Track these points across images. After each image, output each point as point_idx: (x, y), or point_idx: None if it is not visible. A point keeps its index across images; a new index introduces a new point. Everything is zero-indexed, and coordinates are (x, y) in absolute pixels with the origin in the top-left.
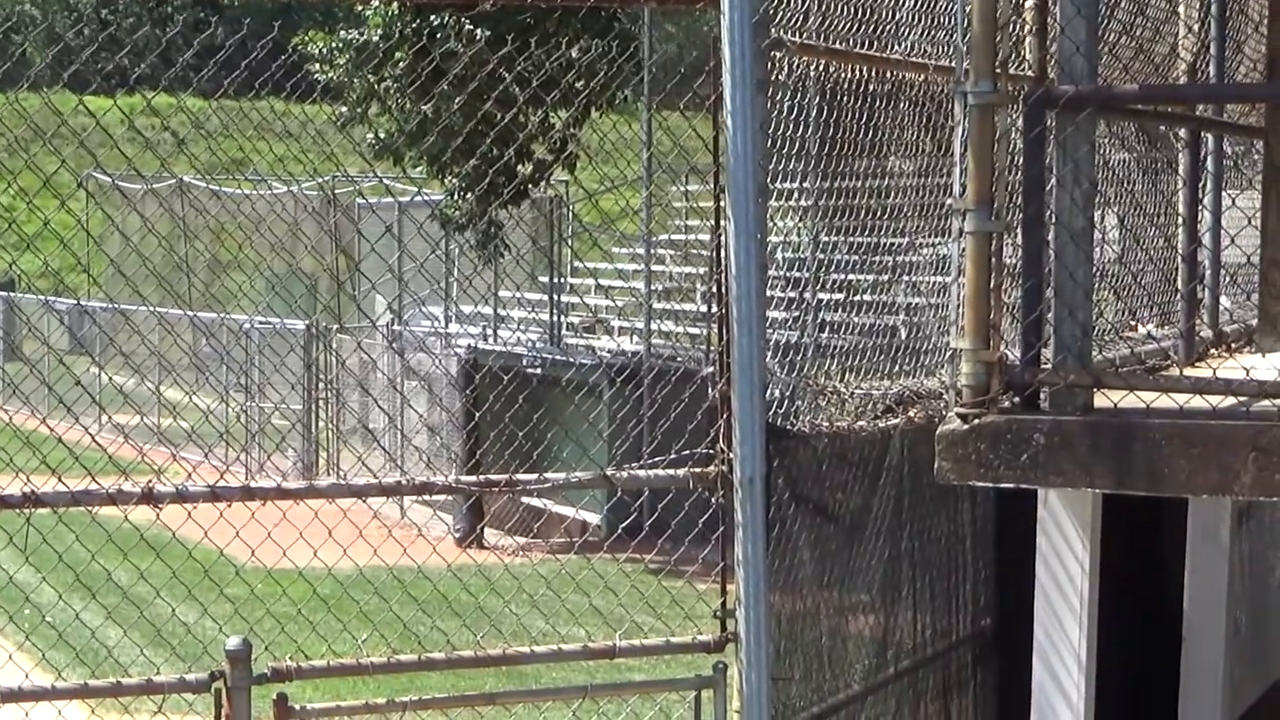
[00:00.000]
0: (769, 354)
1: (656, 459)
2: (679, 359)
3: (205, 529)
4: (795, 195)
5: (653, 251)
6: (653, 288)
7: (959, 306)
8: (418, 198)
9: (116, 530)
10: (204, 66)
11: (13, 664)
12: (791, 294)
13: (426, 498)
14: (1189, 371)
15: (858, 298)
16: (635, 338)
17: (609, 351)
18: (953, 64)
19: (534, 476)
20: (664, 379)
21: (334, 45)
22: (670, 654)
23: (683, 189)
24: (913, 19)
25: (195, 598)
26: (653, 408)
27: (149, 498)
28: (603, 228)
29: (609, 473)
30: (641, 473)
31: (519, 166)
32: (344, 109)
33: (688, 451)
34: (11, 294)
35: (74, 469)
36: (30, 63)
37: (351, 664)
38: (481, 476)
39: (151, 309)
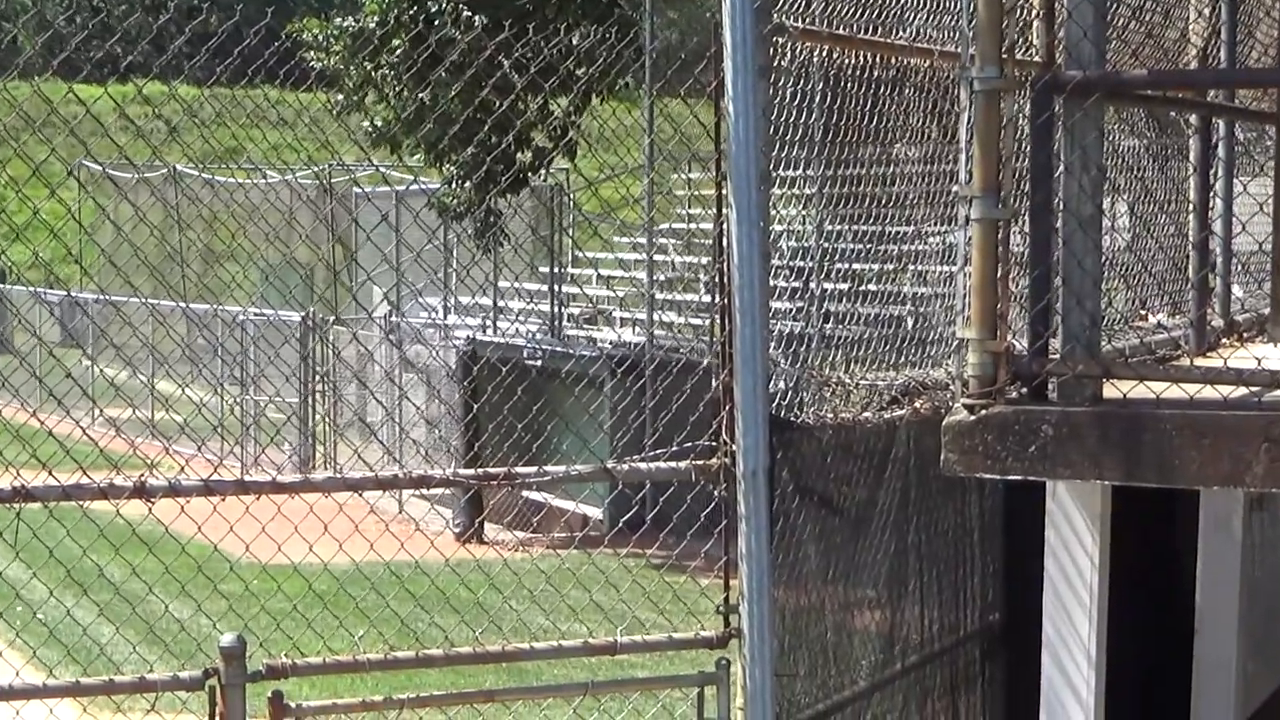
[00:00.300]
0: (773, 344)
1: (658, 451)
2: (681, 350)
3: (199, 524)
4: (799, 183)
5: (655, 240)
6: (655, 277)
7: (965, 296)
8: (415, 186)
9: (108, 525)
10: (197, 54)
11: (3, 661)
12: (796, 284)
13: (424, 492)
14: (1200, 361)
15: (863, 287)
16: (637, 328)
17: (610, 343)
18: (958, 49)
19: (533, 470)
20: (666, 370)
21: (329, 32)
22: (673, 650)
23: (685, 176)
24: (918, 3)
25: (189, 594)
26: (654, 399)
27: (141, 492)
28: (604, 216)
29: (610, 465)
30: (643, 465)
31: (518, 154)
32: (340, 97)
33: (690, 444)
34: (1, 285)
35: (65, 463)
36: (20, 50)
37: (348, 661)
38: (480, 470)
39: (144, 300)
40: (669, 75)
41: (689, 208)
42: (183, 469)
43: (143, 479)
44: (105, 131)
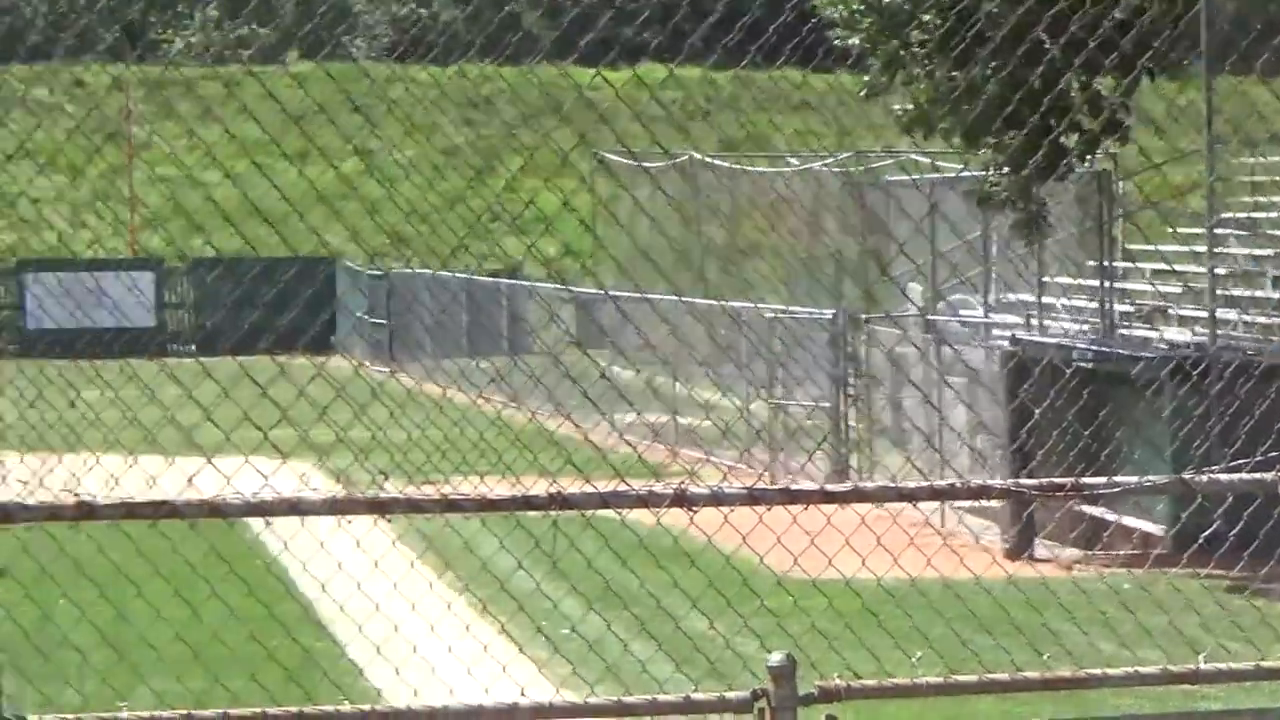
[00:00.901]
0: None
1: (1238, 461)
2: (1259, 351)
3: (744, 535)
4: None
5: (1217, 231)
6: (1218, 271)
7: None
8: (956, 174)
9: (645, 535)
10: (714, 35)
11: (542, 679)
12: None
13: (978, 504)
14: None
15: None
16: (1198, 328)
17: (1167, 343)
18: None
19: (1102, 480)
20: (1244, 374)
21: (855, 8)
22: (1254, 680)
23: (1255, 160)
24: None
25: (733, 609)
26: (1231, 405)
27: (682, 500)
28: (1160, 204)
29: (1187, 476)
30: (1223, 477)
31: (1063, 139)
32: (866, 78)
33: (1276, 453)
34: (523, 282)
35: (600, 469)
36: (537, 38)
37: (905, 684)
38: (1044, 480)
39: (679, 298)
40: (1244, 49)
41: (1254, 195)
42: (725, 476)
43: (683, 486)
44: (637, 117)
